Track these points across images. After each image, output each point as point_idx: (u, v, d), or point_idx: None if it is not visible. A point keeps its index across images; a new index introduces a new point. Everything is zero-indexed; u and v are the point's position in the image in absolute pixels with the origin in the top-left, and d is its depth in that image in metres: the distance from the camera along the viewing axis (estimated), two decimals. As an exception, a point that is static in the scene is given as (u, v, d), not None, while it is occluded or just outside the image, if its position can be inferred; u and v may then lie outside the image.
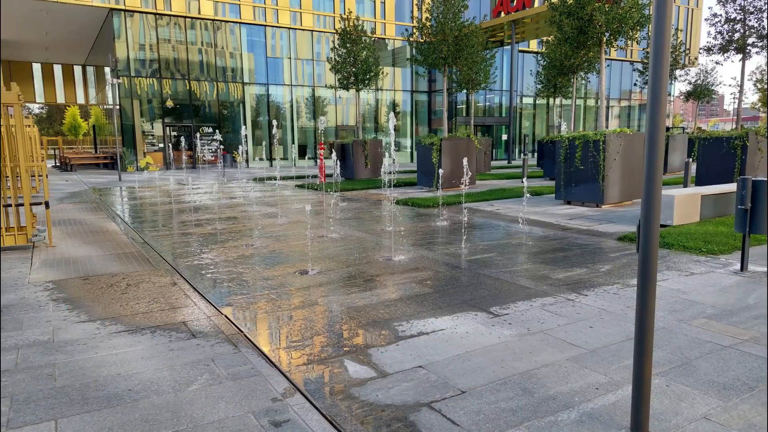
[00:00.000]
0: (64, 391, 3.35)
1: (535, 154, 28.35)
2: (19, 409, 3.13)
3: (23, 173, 7.50)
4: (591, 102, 43.52)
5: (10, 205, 7.75)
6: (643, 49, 39.58)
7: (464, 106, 37.23)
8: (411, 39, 27.12)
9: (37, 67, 42.89)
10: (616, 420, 2.94)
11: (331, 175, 20.02)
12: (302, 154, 33.58)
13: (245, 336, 4.29)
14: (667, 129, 23.53)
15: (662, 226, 8.60)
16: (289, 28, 31.50)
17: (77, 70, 44.60)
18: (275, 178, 21.72)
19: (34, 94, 43.27)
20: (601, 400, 3.17)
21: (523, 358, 3.77)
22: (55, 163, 37.29)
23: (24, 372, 3.63)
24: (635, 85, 40.42)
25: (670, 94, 43.37)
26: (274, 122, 24.90)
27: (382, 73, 26.53)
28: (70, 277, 6.19)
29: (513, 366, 3.65)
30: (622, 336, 4.17)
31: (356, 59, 25.25)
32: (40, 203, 8.31)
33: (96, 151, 37.08)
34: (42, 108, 58.49)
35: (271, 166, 31.30)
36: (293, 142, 33.08)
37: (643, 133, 13.01)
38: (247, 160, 31.02)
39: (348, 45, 25.34)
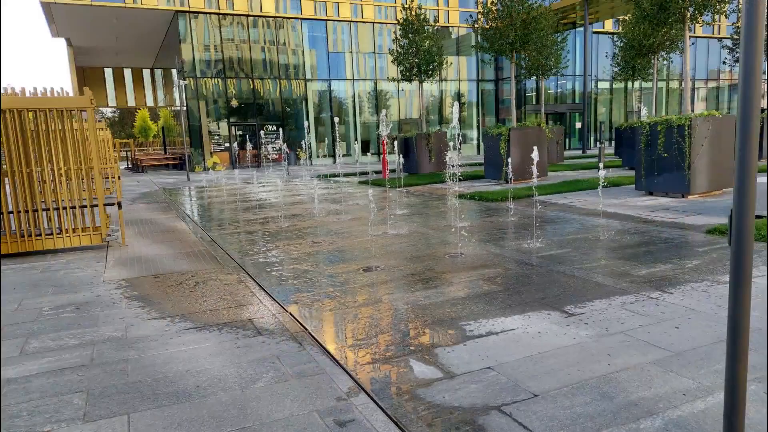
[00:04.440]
0: (136, 387, 3.46)
1: (613, 143, 26.91)
2: (95, 403, 3.25)
3: (97, 175, 7.94)
4: (674, 84, 40.80)
5: (85, 206, 8.23)
6: (733, 23, 36.58)
7: (534, 93, 36.01)
8: (476, 25, 26.38)
9: (108, 72, 45.11)
10: (706, 429, 2.68)
11: (394, 171, 19.96)
12: (365, 149, 33.74)
13: (310, 334, 4.29)
14: (762, 111, 21.61)
15: (757, 216, 7.86)
16: (350, 21, 31.65)
17: (146, 74, 46.76)
18: (338, 175, 21.95)
19: (106, 99, 45.48)
20: (688, 407, 2.90)
21: (600, 361, 3.52)
22: (128, 164, 38.81)
23: (98, 367, 3.79)
24: (724, 63, 37.41)
25: (765, 72, 39.93)
26: (336, 119, 25.14)
27: (446, 62, 26.03)
28: (142, 275, 6.45)
29: (590, 369, 3.41)
30: (712, 338, 3.81)
31: (419, 50, 24.91)
32: (114, 204, 8.78)
33: (165, 152, 38.30)
34: (114, 112, 61.84)
35: (335, 162, 31.68)
36: (356, 138, 33.26)
37: (733, 115, 12.00)
38: (310, 157, 31.52)
39: (410, 35, 25.03)
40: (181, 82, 24.96)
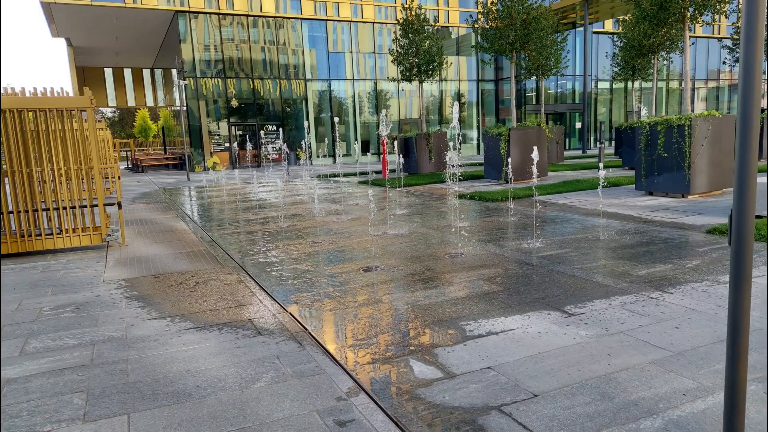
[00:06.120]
0: (136, 387, 3.45)
1: (613, 143, 26.90)
2: (95, 403, 3.25)
3: (96, 175, 7.93)
4: (674, 84, 40.78)
5: (85, 206, 8.23)
6: (733, 24, 36.58)
7: (534, 93, 35.99)
8: (476, 25, 26.38)
9: (108, 72, 44.91)
10: (705, 429, 2.68)
11: (394, 171, 19.96)
12: (365, 149, 33.68)
13: (310, 334, 4.29)
14: (762, 110, 21.57)
15: (758, 216, 7.86)
16: (350, 21, 31.62)
17: (146, 74, 46.60)
18: (338, 175, 21.93)
19: (106, 99, 45.23)
20: (688, 407, 2.90)
21: (601, 361, 3.52)
22: (128, 164, 38.34)
23: (99, 367, 3.79)
24: (724, 63, 37.42)
25: (765, 72, 39.89)
26: (336, 119, 25.13)
27: (446, 62, 26.02)
28: (142, 276, 6.45)
29: (590, 369, 3.41)
30: (712, 337, 3.81)
31: (419, 50, 24.89)
32: (113, 204, 8.77)
33: (165, 152, 37.88)
34: (114, 112, 61.58)
35: (335, 162, 31.59)
36: (356, 138, 33.20)
37: (733, 115, 12.00)
38: (310, 157, 31.46)
39: (410, 35, 25.02)
40: (181, 82, 24.94)
